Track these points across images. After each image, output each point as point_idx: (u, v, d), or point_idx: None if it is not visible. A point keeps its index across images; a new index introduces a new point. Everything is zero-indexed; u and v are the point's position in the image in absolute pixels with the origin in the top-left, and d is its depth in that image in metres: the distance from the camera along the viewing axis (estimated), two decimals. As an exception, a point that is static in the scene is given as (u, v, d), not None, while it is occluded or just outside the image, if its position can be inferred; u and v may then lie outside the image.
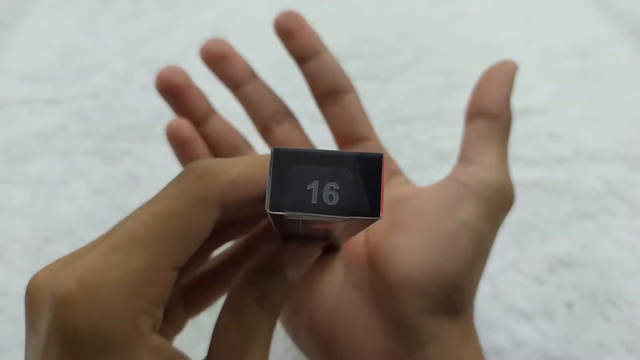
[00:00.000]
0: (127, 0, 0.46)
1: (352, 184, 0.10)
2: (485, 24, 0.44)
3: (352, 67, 0.41)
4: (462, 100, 0.37)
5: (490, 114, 0.19)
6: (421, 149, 0.34)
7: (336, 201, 0.10)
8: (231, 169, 0.13)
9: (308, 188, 0.10)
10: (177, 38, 0.42)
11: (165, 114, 0.37)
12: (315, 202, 0.10)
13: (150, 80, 0.40)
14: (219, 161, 0.13)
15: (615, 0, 0.46)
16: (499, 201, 0.18)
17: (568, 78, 0.39)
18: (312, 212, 0.10)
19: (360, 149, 0.22)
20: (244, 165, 0.13)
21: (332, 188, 0.10)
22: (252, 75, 0.24)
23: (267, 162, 0.12)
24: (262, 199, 0.12)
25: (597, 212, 0.30)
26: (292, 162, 0.10)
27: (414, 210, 0.18)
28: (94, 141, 0.35)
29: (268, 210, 0.10)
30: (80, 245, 0.14)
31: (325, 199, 0.10)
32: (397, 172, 0.22)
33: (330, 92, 0.22)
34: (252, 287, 0.14)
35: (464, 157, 0.19)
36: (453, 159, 0.33)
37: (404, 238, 0.17)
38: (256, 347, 0.14)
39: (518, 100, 0.37)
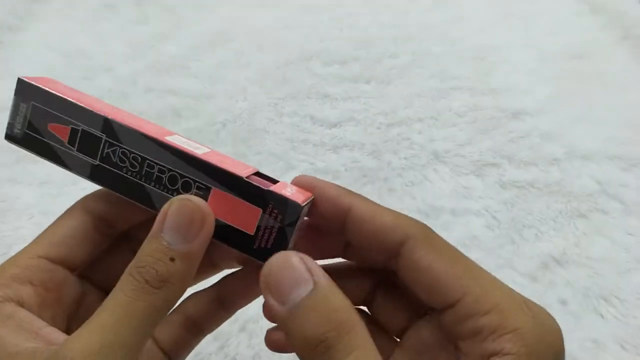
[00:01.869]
0: (133, 4, 0.47)
1: None
2: (482, 28, 0.45)
3: (352, 71, 0.42)
4: (457, 102, 0.38)
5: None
6: (418, 149, 0.34)
7: None
8: None
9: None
10: (181, 42, 0.43)
11: (169, 115, 0.38)
12: None
13: (154, 82, 0.41)
14: None
15: (610, 4, 0.47)
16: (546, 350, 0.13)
17: (563, 80, 0.40)
18: None
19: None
20: None
21: None
22: None
23: None
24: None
25: (590, 211, 0.31)
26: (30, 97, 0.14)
27: None
28: (100, 142, 0.35)
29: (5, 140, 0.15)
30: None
31: None
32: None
33: None
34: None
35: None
36: (449, 158, 0.34)
37: None
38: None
39: (513, 103, 0.38)
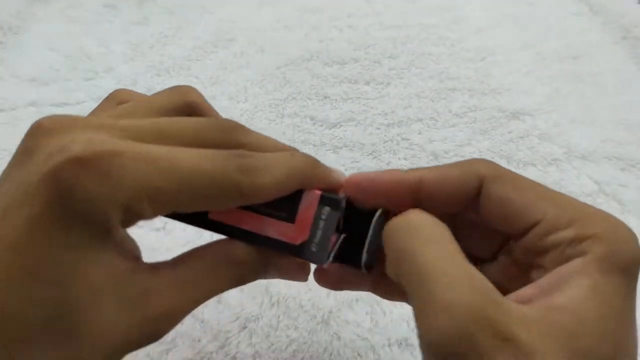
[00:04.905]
0: (134, 5, 0.48)
1: None
2: (481, 28, 0.45)
3: (352, 72, 0.42)
4: (457, 103, 0.38)
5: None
6: (418, 150, 0.35)
7: None
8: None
9: None
10: (182, 43, 0.44)
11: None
12: None
13: (155, 83, 0.42)
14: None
15: (609, 4, 0.47)
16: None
17: (562, 80, 0.40)
18: None
19: None
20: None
21: None
22: None
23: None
24: None
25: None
26: None
27: None
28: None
29: None
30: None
31: None
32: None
33: None
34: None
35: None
36: (448, 159, 0.34)
37: None
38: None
39: (512, 103, 0.38)
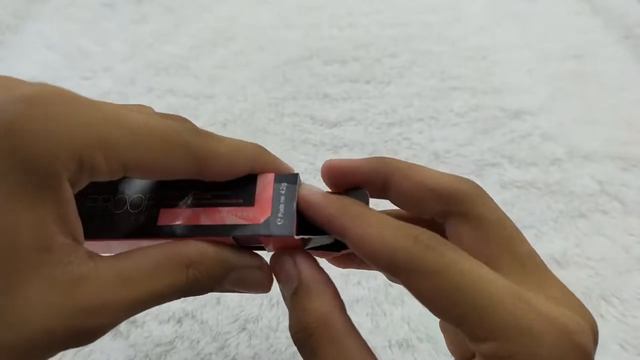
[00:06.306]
0: (132, 4, 0.47)
1: None
2: (482, 27, 0.45)
3: (352, 70, 0.42)
4: (458, 102, 0.38)
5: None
6: (419, 149, 0.34)
7: None
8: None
9: None
10: (180, 41, 0.43)
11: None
12: None
13: (154, 82, 0.41)
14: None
15: (610, 4, 0.47)
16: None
17: (562, 80, 0.40)
18: None
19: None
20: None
21: None
22: None
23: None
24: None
25: (590, 211, 0.31)
26: None
27: None
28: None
29: None
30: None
31: None
32: None
33: None
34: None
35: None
36: (449, 159, 0.34)
37: None
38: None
39: (513, 102, 0.38)
